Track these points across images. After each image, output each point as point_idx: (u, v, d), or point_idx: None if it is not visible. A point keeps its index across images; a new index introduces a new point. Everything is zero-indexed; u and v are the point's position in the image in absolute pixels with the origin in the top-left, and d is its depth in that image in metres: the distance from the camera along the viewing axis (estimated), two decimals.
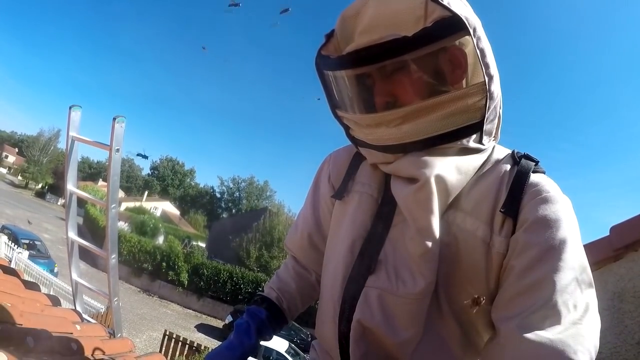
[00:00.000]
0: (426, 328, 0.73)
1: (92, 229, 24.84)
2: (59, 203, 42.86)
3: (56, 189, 45.71)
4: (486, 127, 0.74)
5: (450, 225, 0.73)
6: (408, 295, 0.71)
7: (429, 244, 0.70)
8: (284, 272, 1.04)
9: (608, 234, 1.52)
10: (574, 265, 0.65)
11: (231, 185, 60.26)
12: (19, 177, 56.75)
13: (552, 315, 0.62)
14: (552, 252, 0.65)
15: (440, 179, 0.71)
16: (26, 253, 11.02)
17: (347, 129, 0.85)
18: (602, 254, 1.50)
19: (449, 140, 0.73)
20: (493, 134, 0.78)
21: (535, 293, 0.64)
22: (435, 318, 0.74)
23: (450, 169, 0.72)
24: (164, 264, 19.48)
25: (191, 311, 18.22)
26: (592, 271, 0.67)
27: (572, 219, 0.69)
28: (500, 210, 0.71)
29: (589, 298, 0.65)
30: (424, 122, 0.71)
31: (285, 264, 1.07)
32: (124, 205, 39.83)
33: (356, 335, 0.76)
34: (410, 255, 0.73)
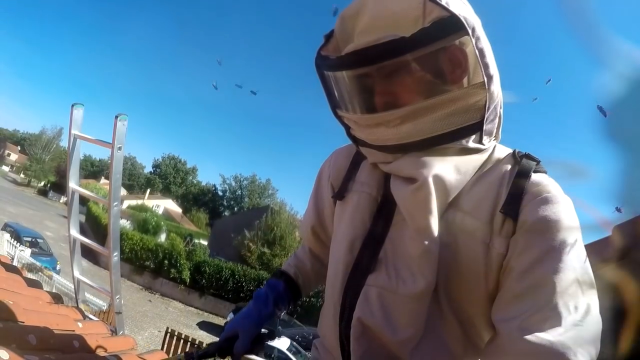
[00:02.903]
0: (426, 327, 0.73)
1: (94, 226, 24.89)
2: (61, 201, 42.95)
3: (58, 186, 45.70)
4: (486, 127, 0.74)
5: (450, 225, 0.72)
6: (408, 294, 0.72)
7: (429, 244, 0.70)
8: (301, 252, 1.14)
9: (611, 233, 1.52)
10: (575, 266, 0.64)
11: (233, 183, 60.31)
12: (22, 175, 56.85)
13: (552, 317, 0.61)
14: (553, 253, 0.65)
15: (438, 179, 0.71)
16: (28, 251, 11.09)
17: (347, 128, 0.85)
18: (605, 254, 1.50)
19: (448, 140, 0.73)
20: (493, 134, 0.78)
21: (535, 294, 0.64)
22: (436, 317, 0.74)
23: (450, 169, 0.72)
24: (166, 261, 19.50)
25: (193, 309, 18.25)
26: (593, 271, 0.67)
27: (573, 220, 0.69)
28: (500, 211, 0.71)
29: (590, 299, 0.64)
30: (424, 122, 0.71)
31: (303, 245, 1.15)
32: (126, 203, 39.85)
33: (356, 334, 0.76)
34: (410, 254, 0.73)
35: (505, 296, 0.68)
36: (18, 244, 11.04)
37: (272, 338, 0.99)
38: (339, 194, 0.90)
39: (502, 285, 0.70)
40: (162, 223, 29.46)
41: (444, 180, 0.71)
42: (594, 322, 0.63)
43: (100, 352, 1.58)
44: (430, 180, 0.70)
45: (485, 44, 0.71)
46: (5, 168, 62.10)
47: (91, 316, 2.07)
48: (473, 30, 0.68)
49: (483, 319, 0.74)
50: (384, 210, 0.81)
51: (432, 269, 0.70)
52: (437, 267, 0.71)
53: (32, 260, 10.42)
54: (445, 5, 0.66)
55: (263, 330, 0.97)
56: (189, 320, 16.12)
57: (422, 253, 0.71)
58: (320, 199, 1.02)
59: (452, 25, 0.67)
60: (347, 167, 0.93)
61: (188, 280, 19.13)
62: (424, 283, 0.70)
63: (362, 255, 0.80)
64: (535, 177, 0.73)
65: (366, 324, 0.75)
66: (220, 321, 17.01)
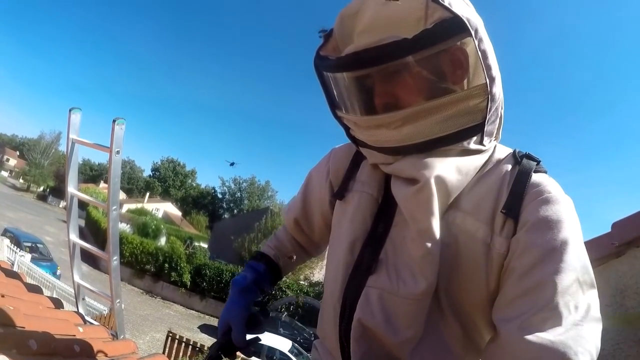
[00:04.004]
0: (427, 328, 0.73)
1: (94, 231, 24.87)
2: (60, 206, 42.84)
3: (58, 191, 45.62)
4: (487, 128, 0.73)
5: (450, 226, 0.72)
6: (409, 296, 0.71)
7: (430, 245, 0.69)
8: (283, 234, 1.13)
9: (610, 230, 1.52)
10: (576, 266, 0.64)
11: (232, 186, 60.21)
12: (21, 180, 56.77)
13: (553, 317, 0.61)
14: (554, 253, 0.65)
15: (440, 180, 0.70)
16: (28, 256, 11.05)
17: (347, 129, 0.84)
18: (604, 251, 1.50)
19: (449, 142, 0.72)
20: (494, 135, 0.77)
21: (536, 295, 0.64)
22: (436, 318, 0.74)
23: (451, 170, 0.71)
24: (166, 265, 19.50)
25: (194, 312, 18.23)
26: (593, 268, 0.67)
27: (574, 220, 0.69)
28: (501, 211, 0.70)
29: (591, 299, 0.64)
30: (425, 124, 0.70)
31: (284, 227, 1.14)
32: (125, 207, 39.86)
33: (356, 335, 0.76)
34: (411, 256, 0.73)
35: (506, 296, 0.68)
36: (18, 249, 11.01)
37: (267, 315, 0.96)
38: (339, 194, 0.89)
39: (503, 285, 0.69)
40: (162, 226, 29.43)
41: (445, 181, 0.70)
42: (595, 321, 0.63)
43: (101, 357, 1.58)
44: (432, 181, 0.69)
45: (488, 45, 0.70)
46: (4, 173, 61.96)
47: (92, 320, 2.07)
48: (476, 31, 0.67)
49: (484, 319, 0.74)
50: (385, 211, 0.80)
51: (433, 270, 0.70)
52: (438, 268, 0.70)
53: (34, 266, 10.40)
54: (448, 6, 0.65)
55: (254, 309, 0.94)
56: (190, 324, 16.09)
57: (423, 254, 0.70)
58: (311, 193, 1.02)
59: (455, 26, 0.66)
60: (347, 166, 0.92)
61: (189, 283, 19.10)
62: (425, 284, 0.70)
63: (363, 256, 0.80)
64: (535, 177, 0.73)
65: (366, 326, 0.75)
66: None
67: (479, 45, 0.68)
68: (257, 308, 0.95)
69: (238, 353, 0.92)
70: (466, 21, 0.65)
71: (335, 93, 0.82)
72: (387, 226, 0.79)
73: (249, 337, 0.91)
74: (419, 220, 0.71)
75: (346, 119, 0.82)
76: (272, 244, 1.11)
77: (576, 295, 0.63)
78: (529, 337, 0.60)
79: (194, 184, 69.37)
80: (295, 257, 1.11)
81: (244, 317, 0.91)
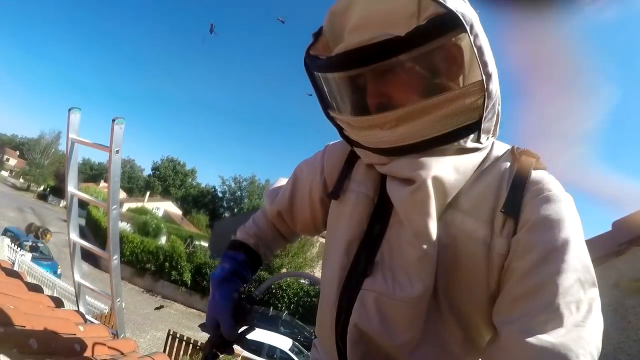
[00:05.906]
0: (426, 329, 0.72)
1: (94, 230, 24.85)
2: (61, 205, 42.80)
3: (58, 191, 45.56)
4: (484, 126, 0.71)
5: (449, 226, 0.71)
6: (406, 299, 0.70)
7: (427, 247, 0.68)
8: (263, 221, 1.10)
9: (610, 229, 1.52)
10: (577, 266, 0.63)
11: (233, 185, 60.16)
12: (21, 180, 56.76)
13: (554, 319, 0.60)
14: (555, 253, 0.64)
15: (437, 180, 0.68)
16: (29, 255, 11.04)
17: (340, 129, 0.82)
18: (604, 250, 1.50)
19: (445, 142, 0.70)
20: (491, 132, 0.75)
21: (537, 296, 0.62)
22: (435, 319, 0.73)
23: (448, 169, 0.70)
24: (166, 263, 19.51)
25: (195, 310, 18.21)
26: (594, 267, 0.66)
27: (575, 218, 0.68)
28: (500, 210, 0.69)
29: (592, 299, 0.63)
30: (420, 124, 0.68)
31: (264, 212, 1.11)
32: (126, 206, 39.85)
33: (353, 339, 0.75)
34: (407, 258, 0.71)
35: (506, 298, 0.67)
36: (18, 248, 11.01)
37: (253, 302, 0.92)
38: (335, 193, 0.87)
39: (504, 286, 0.68)
40: (162, 225, 29.41)
41: (442, 181, 0.69)
42: (596, 321, 0.62)
43: (102, 356, 1.58)
44: (429, 181, 0.68)
45: (484, 40, 0.67)
46: (4, 173, 61.89)
47: (92, 319, 2.07)
48: (471, 27, 0.64)
49: (484, 320, 0.73)
50: (381, 212, 0.78)
51: (430, 272, 0.69)
52: (435, 271, 0.69)
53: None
54: (442, 1, 0.63)
55: (239, 299, 0.92)
56: (191, 322, 16.08)
57: (420, 257, 0.69)
58: (301, 188, 0.99)
59: (450, 22, 0.63)
60: (342, 165, 0.90)
61: (189, 282, 19.11)
62: (421, 287, 0.69)
63: (359, 259, 0.78)
64: (535, 174, 0.71)
65: (363, 330, 0.73)
66: None
67: (474, 41, 0.65)
68: (243, 296, 0.92)
69: (239, 352, 0.90)
70: (461, 16, 0.63)
71: (327, 93, 0.80)
72: (383, 227, 0.77)
73: (239, 329, 0.89)
74: (416, 222, 0.70)
75: (339, 119, 0.80)
76: (252, 231, 1.08)
77: (577, 295, 0.62)
78: (530, 339, 0.59)
79: (194, 183, 69.31)
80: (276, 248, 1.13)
81: (229, 308, 0.89)
